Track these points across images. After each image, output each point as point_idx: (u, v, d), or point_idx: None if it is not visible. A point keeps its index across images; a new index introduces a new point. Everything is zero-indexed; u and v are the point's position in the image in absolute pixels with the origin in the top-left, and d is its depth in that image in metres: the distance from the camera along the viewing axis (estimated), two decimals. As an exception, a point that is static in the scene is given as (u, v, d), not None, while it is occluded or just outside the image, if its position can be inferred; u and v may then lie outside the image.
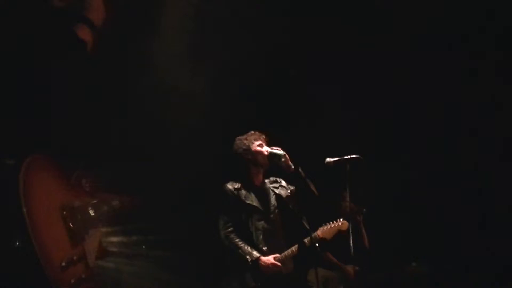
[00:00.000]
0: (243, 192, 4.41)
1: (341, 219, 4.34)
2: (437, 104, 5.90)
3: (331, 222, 4.33)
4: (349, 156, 4.19)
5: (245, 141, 4.45)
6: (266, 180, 4.55)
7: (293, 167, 4.14)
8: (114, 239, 7.15)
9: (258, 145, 4.40)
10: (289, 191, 4.50)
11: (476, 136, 5.78)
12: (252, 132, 4.51)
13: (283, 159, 4.19)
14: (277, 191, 4.51)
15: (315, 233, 4.28)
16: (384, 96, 5.99)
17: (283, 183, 4.56)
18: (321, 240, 4.27)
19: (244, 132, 4.54)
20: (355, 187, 4.19)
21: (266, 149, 4.36)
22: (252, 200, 4.39)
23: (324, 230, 4.30)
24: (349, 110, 6.12)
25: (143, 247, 6.77)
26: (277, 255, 4.24)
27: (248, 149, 4.41)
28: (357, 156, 4.19)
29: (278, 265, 4.19)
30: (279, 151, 4.27)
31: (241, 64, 5.92)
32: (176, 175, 6.43)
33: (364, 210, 4.89)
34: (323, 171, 4.15)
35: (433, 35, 5.74)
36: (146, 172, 6.46)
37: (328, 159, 4.26)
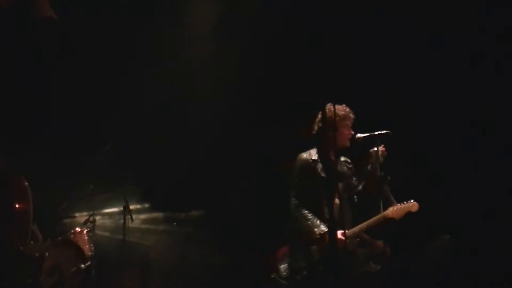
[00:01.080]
0: (320, 165, 4.31)
1: (411, 200, 4.25)
2: (437, 104, 5.89)
3: (401, 203, 4.24)
4: (379, 132, 4.17)
5: (348, 113, 4.37)
6: (340, 157, 4.45)
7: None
8: (144, 216, 7.17)
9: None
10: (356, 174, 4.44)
11: (476, 136, 5.77)
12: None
13: (381, 159, 4.18)
14: (349, 169, 4.45)
15: (385, 212, 4.19)
16: (384, 96, 5.99)
17: (352, 166, 4.50)
18: (390, 220, 4.18)
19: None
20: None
21: (359, 135, 4.28)
22: (327, 174, 4.28)
23: (394, 210, 4.20)
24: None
25: (174, 223, 6.72)
26: (345, 231, 4.09)
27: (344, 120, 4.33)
28: (387, 131, 4.15)
29: (344, 240, 3.97)
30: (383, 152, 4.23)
31: (241, 63, 5.95)
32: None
33: (389, 178, 4.76)
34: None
35: (433, 35, 5.74)
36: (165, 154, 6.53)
37: (358, 135, 4.23)
